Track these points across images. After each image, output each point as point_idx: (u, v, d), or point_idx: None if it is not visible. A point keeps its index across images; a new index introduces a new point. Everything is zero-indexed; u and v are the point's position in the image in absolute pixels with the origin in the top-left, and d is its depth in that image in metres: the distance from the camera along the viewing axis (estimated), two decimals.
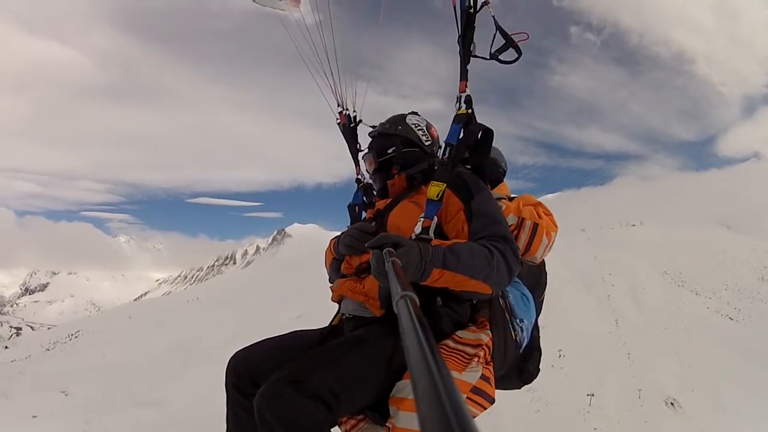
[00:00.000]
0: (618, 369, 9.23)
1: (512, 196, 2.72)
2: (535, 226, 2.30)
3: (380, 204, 2.36)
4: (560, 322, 10.75)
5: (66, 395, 7.42)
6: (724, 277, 13.68)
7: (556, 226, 2.43)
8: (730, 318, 11.65)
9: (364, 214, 2.64)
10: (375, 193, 2.66)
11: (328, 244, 2.50)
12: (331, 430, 1.71)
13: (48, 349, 14.15)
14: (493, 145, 2.78)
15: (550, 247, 2.39)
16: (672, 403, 8.26)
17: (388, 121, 2.51)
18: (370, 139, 2.55)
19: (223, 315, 12.84)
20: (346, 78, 2.93)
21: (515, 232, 2.31)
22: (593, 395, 8.16)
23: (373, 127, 2.65)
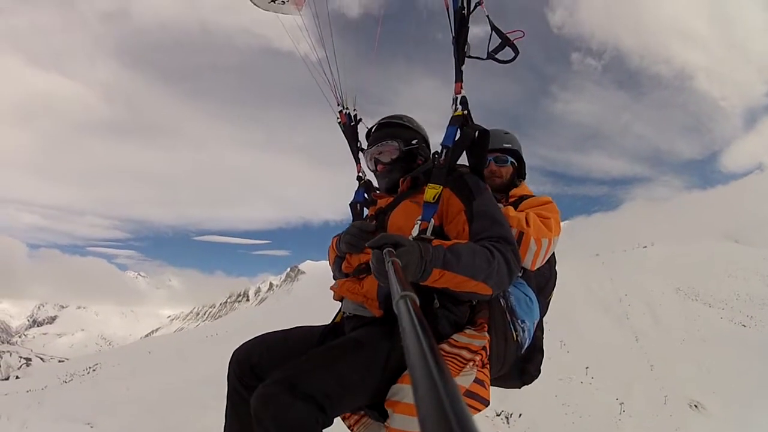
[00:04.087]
0: (642, 379, 9.99)
1: (530, 195, 2.69)
2: (521, 235, 2.24)
3: (382, 202, 2.38)
4: (584, 341, 11.61)
5: (91, 427, 7.52)
6: (735, 287, 14.24)
7: (550, 231, 2.35)
8: (743, 325, 12.27)
9: (366, 212, 2.65)
10: (378, 189, 2.65)
11: (330, 242, 2.53)
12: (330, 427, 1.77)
13: (65, 381, 14.28)
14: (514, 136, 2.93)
15: (545, 254, 2.33)
16: (696, 405, 9.00)
17: (399, 116, 2.50)
18: (382, 129, 2.48)
19: None
20: (347, 76, 2.93)
21: None
22: (623, 403, 8.98)
23: (367, 127, 2.66)
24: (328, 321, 2.39)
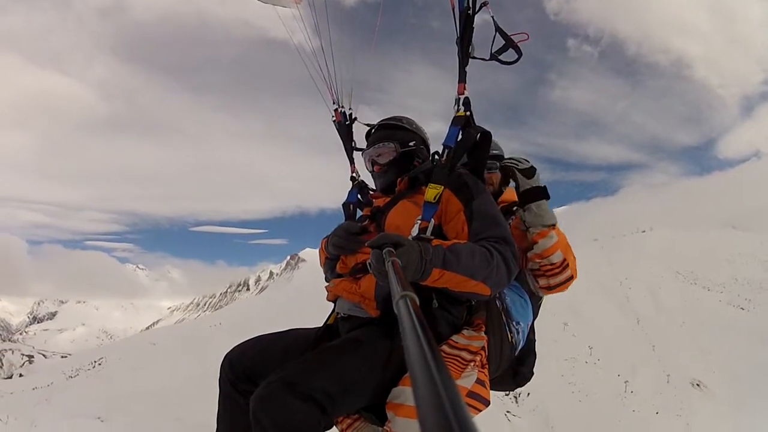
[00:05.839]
0: (645, 360, 10.34)
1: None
2: (569, 278, 2.27)
3: (379, 202, 2.38)
4: (587, 323, 11.93)
5: (102, 422, 7.19)
6: (733, 272, 14.42)
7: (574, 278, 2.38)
8: (741, 308, 12.57)
9: (359, 213, 2.64)
10: (373, 190, 2.65)
11: (320, 244, 2.52)
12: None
13: (71, 377, 14.15)
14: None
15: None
16: (698, 384, 9.36)
17: (399, 118, 2.54)
18: (380, 131, 2.52)
19: None
20: (343, 72, 2.90)
21: (554, 270, 2.26)
22: (628, 382, 9.35)
23: (367, 124, 2.71)
24: (331, 307, 2.38)
